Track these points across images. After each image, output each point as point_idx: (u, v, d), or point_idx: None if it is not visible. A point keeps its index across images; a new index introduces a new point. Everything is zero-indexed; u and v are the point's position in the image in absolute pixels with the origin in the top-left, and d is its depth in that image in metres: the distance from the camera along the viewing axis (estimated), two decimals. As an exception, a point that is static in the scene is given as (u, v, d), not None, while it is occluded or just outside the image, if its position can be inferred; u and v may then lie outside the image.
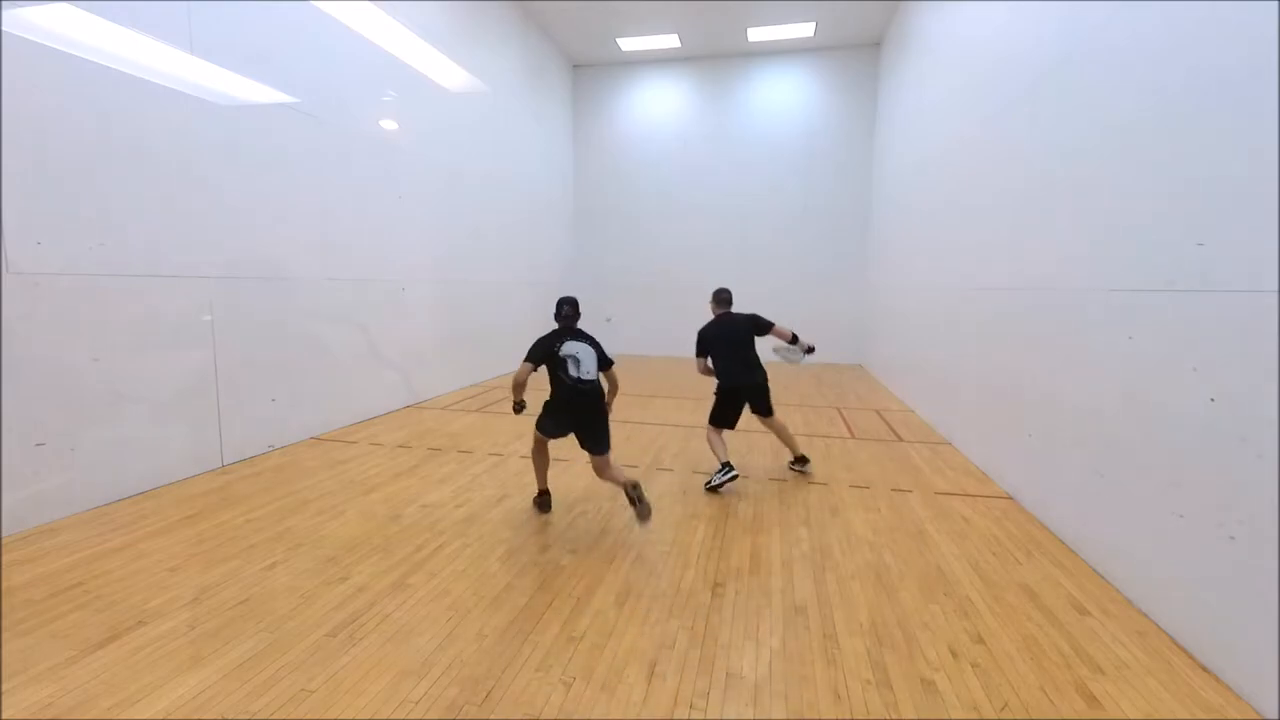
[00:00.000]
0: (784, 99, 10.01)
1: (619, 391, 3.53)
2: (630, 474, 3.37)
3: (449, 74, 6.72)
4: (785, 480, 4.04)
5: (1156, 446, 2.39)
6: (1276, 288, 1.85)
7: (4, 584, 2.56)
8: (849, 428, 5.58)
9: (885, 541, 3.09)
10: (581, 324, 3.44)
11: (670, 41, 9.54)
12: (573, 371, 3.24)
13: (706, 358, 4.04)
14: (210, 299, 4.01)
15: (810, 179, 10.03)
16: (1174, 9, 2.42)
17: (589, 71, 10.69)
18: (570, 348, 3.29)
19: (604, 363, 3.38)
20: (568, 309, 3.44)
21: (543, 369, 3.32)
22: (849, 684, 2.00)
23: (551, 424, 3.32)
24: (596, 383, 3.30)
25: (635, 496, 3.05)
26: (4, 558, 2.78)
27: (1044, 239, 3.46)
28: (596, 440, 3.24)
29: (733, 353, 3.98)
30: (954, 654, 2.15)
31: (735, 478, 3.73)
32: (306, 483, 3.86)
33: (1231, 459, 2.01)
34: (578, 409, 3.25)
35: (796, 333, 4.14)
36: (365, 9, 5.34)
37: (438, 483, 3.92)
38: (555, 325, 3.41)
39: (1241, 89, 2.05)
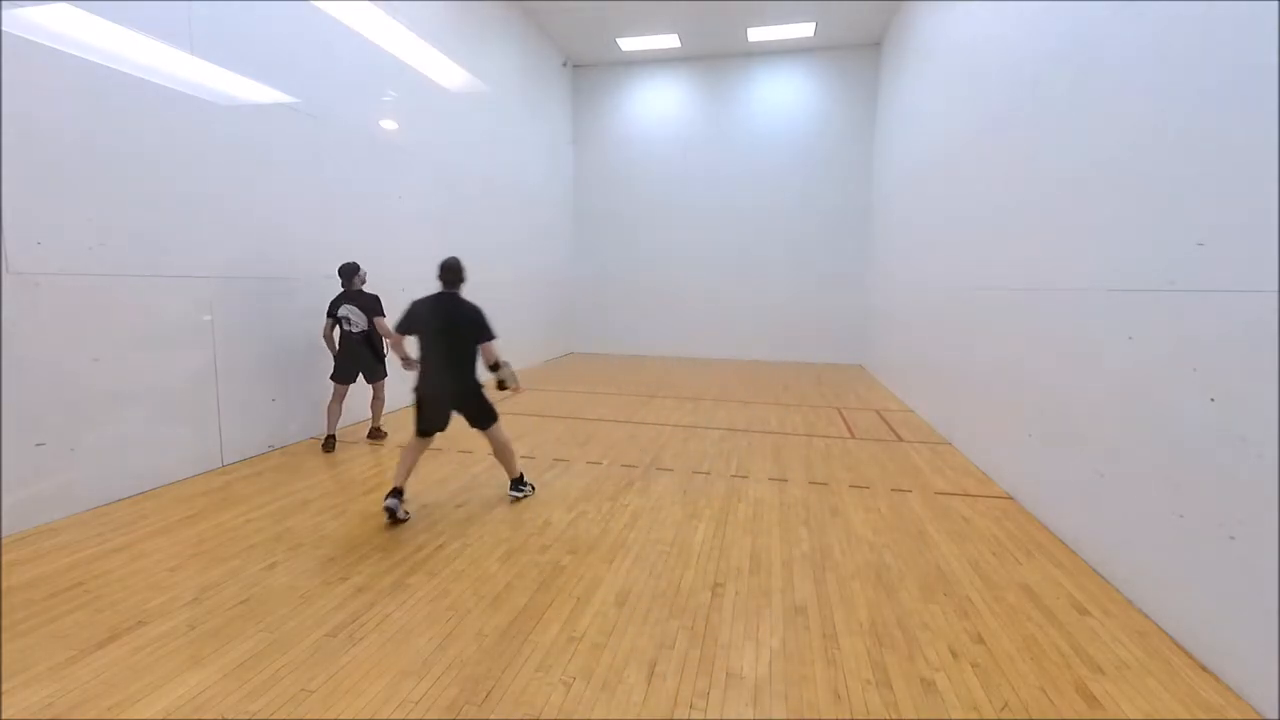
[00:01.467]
0: (784, 99, 10.01)
1: (388, 338, 4.16)
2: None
3: (449, 74, 6.72)
4: (785, 481, 4.04)
5: (1156, 446, 2.39)
6: (1276, 288, 1.85)
7: (4, 584, 2.56)
8: (849, 428, 5.58)
9: (885, 541, 3.09)
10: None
11: (670, 41, 9.54)
12: (345, 326, 4.54)
13: (406, 335, 3.37)
14: (210, 299, 4.01)
15: (810, 178, 10.03)
16: (1173, 9, 2.42)
17: (589, 71, 10.69)
18: (345, 310, 4.51)
19: (372, 312, 4.57)
20: (344, 281, 4.56)
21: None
22: (849, 684, 2.00)
23: (341, 371, 4.58)
24: (366, 332, 4.57)
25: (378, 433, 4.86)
26: (4, 558, 2.78)
27: (1044, 239, 3.46)
28: (372, 372, 4.73)
29: (437, 344, 3.32)
30: (954, 654, 2.15)
31: (395, 519, 3.18)
32: (306, 483, 3.86)
33: (1231, 459, 2.01)
34: (355, 353, 4.57)
35: (505, 361, 3.48)
36: (365, 9, 5.34)
37: (438, 483, 3.92)
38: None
39: (1241, 88, 2.05)
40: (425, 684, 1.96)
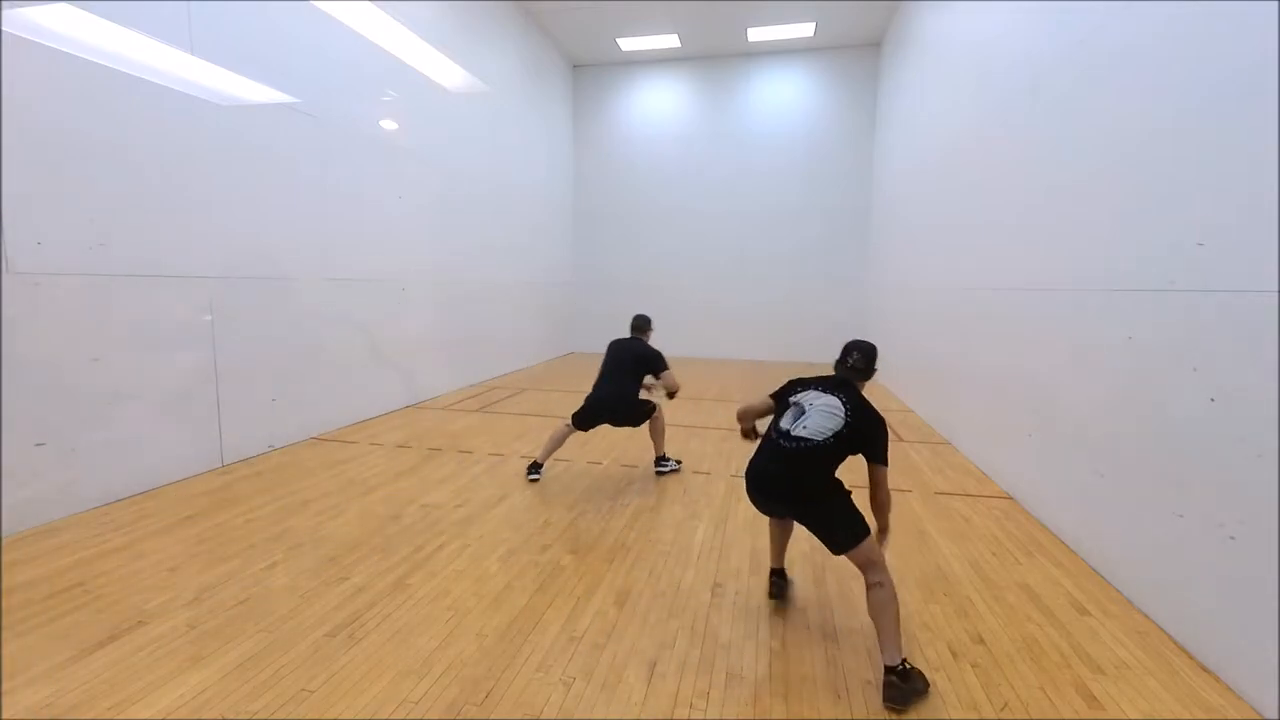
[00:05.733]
0: (784, 99, 10.01)
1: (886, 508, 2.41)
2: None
3: (449, 74, 6.72)
4: (785, 480, 4.03)
5: (1156, 446, 2.39)
6: (1276, 288, 1.85)
7: (4, 584, 2.56)
8: (849, 428, 5.57)
9: (885, 541, 3.08)
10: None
11: (670, 41, 9.53)
12: (785, 424, 2.27)
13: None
14: (210, 299, 4.01)
15: (810, 179, 10.02)
16: (1173, 9, 2.42)
17: (589, 71, 10.68)
18: (809, 396, 2.34)
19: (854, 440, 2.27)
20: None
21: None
22: (849, 684, 1.99)
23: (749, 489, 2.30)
24: (815, 449, 2.21)
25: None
26: (4, 558, 2.78)
27: (1044, 239, 3.46)
28: (819, 527, 2.19)
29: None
30: (954, 654, 2.15)
31: (535, 480, 3.98)
32: (306, 483, 3.86)
33: (1231, 459, 2.01)
34: (772, 477, 2.21)
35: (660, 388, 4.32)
36: (365, 9, 5.34)
37: (438, 483, 3.92)
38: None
39: (1242, 88, 2.05)
40: (425, 684, 1.96)
